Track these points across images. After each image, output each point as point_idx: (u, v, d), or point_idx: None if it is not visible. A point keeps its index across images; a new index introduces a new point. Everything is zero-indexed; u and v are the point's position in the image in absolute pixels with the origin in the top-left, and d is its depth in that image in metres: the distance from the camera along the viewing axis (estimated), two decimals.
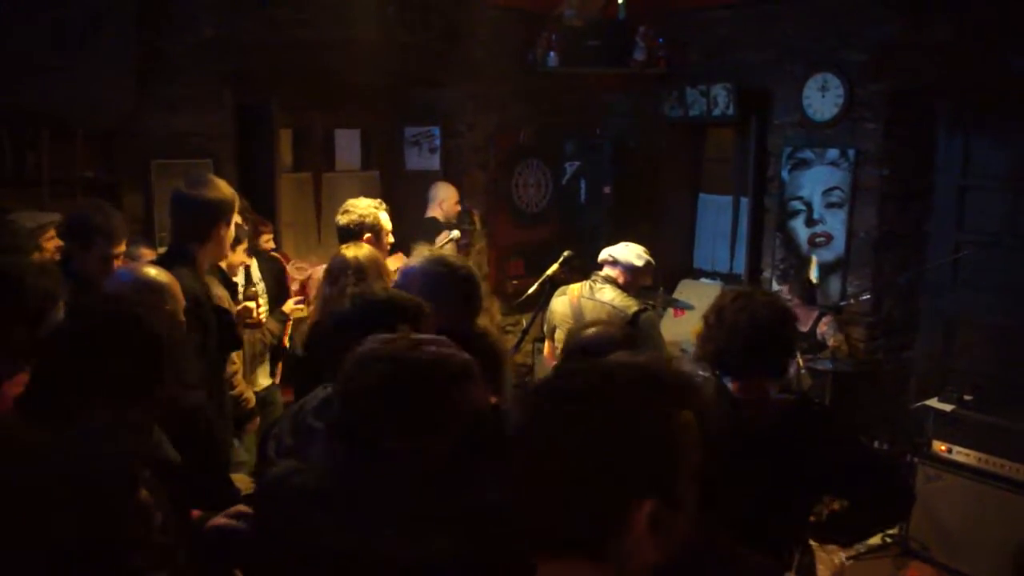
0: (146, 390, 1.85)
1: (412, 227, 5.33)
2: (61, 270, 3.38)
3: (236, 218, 3.20)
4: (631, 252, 4.00)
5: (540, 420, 1.09)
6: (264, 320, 3.86)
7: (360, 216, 3.69)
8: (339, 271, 3.26)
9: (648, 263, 4.02)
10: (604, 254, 4.04)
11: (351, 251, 3.33)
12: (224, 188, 3.11)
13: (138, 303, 1.99)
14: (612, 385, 1.06)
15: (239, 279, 4.11)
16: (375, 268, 3.27)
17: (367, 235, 3.67)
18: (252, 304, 3.58)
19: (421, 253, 3.09)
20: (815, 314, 5.27)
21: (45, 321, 2.27)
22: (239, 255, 3.84)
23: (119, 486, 1.46)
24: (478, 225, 6.00)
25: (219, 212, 3.07)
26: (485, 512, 1.57)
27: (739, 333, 2.26)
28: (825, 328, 5.18)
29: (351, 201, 3.79)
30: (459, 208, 5.71)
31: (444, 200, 5.66)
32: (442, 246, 5.09)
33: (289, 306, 4.15)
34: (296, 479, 1.59)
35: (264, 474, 1.73)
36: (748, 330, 2.26)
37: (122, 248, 3.35)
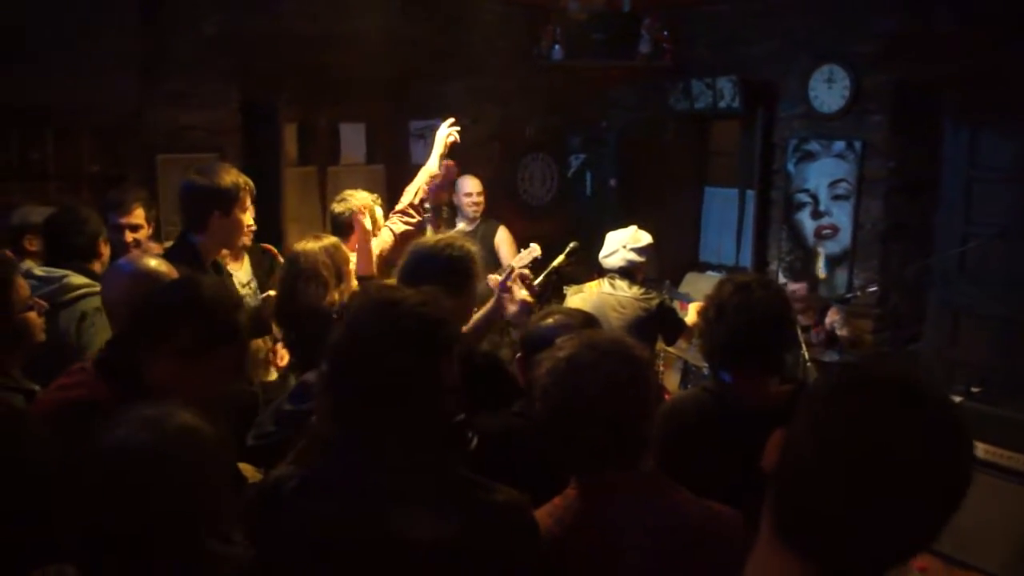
0: None
1: None
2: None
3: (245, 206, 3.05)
4: (631, 251, 4.02)
5: None
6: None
7: (354, 206, 3.69)
8: None
9: (646, 246, 4.04)
10: (613, 252, 4.04)
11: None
12: (225, 176, 2.98)
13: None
14: None
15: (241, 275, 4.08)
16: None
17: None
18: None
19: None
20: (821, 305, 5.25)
21: None
22: None
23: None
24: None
25: (213, 200, 2.94)
26: (489, 493, 1.57)
27: (739, 333, 2.25)
28: (836, 318, 5.15)
29: (349, 191, 3.78)
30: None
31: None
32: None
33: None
34: (291, 482, 1.58)
35: (262, 483, 1.75)
36: (748, 331, 2.25)
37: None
